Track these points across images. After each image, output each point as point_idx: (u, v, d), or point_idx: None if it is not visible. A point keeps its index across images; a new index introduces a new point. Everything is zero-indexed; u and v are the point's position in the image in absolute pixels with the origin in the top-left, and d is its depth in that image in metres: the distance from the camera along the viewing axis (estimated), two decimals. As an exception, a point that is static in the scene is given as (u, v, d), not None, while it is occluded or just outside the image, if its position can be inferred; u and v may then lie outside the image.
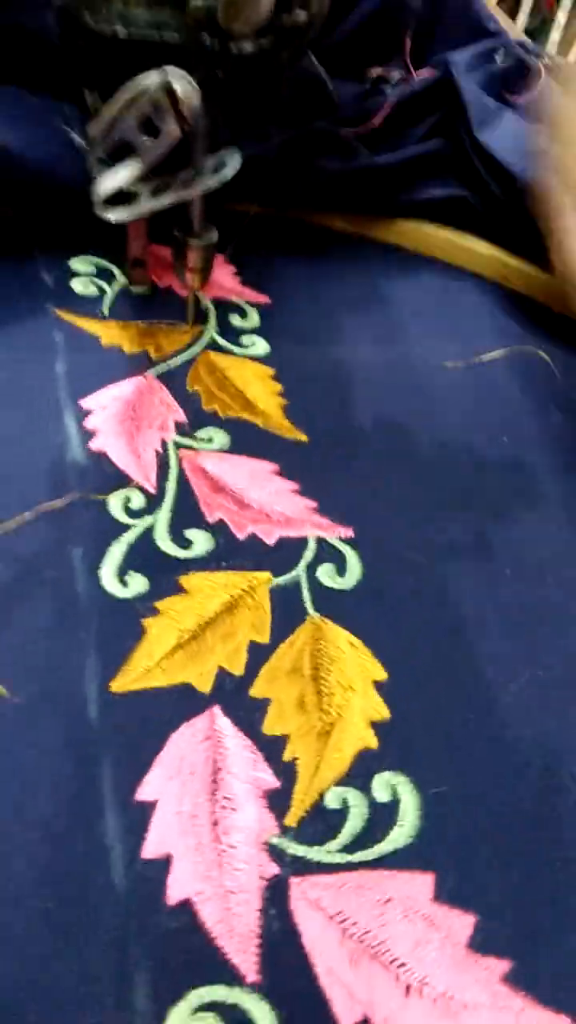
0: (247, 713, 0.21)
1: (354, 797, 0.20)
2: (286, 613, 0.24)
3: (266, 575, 0.25)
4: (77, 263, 0.35)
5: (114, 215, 0.28)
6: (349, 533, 0.26)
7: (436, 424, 0.31)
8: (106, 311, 0.33)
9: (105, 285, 0.34)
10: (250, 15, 0.25)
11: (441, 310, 0.37)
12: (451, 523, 0.27)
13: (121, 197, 0.28)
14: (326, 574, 0.25)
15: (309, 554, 0.25)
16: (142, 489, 0.26)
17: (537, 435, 0.31)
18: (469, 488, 0.29)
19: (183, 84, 0.25)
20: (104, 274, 0.35)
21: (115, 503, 0.26)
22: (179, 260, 0.31)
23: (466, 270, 0.39)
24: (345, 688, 0.22)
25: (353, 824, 0.20)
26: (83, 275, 0.35)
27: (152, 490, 0.27)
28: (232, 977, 0.17)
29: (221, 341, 0.33)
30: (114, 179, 0.27)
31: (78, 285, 0.34)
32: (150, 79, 0.25)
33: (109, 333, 0.32)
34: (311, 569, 0.25)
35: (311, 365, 0.33)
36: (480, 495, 0.29)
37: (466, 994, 0.17)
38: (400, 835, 0.20)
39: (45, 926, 0.17)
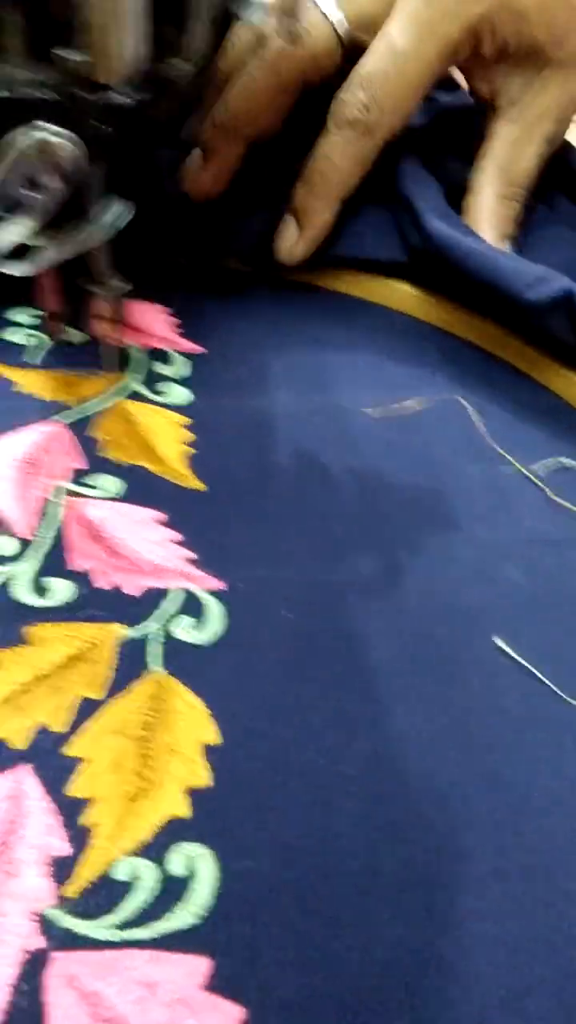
0: (57, 773, 0.20)
1: (146, 869, 0.19)
2: (131, 668, 0.23)
3: (120, 627, 0.24)
4: (16, 314, 0.36)
5: (16, 269, 0.29)
6: (220, 585, 0.25)
7: (346, 471, 0.30)
8: (38, 361, 0.34)
9: (40, 335, 0.35)
10: (120, 68, 0.25)
11: (373, 357, 0.36)
12: (345, 566, 0.26)
13: (23, 251, 0.28)
14: (183, 628, 0.24)
15: (171, 607, 0.25)
16: (16, 535, 0.26)
17: (452, 482, 0.30)
18: (373, 531, 0.28)
19: (59, 141, 0.26)
20: (40, 325, 0.36)
21: (-15, 550, 0.26)
22: (89, 310, 0.32)
23: (406, 315, 0.38)
24: (169, 751, 0.21)
25: (137, 898, 0.18)
26: (19, 325, 0.36)
27: (28, 537, 0.26)
28: (-40, 1060, 0.16)
29: (141, 390, 0.33)
30: (9, 234, 0.28)
31: (11, 334, 0.35)
32: (26, 137, 0.25)
33: (29, 381, 0.33)
34: (168, 622, 0.24)
35: (230, 415, 0.33)
36: (383, 538, 0.27)
37: None
38: (185, 913, 0.18)
39: None
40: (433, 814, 0.20)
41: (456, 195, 0.39)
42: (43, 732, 0.21)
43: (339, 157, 0.35)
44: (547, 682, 0.24)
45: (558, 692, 0.24)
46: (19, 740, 0.21)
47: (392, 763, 0.21)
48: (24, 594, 0.25)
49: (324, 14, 0.34)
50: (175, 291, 0.39)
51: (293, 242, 0.37)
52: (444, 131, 0.41)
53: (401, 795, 0.21)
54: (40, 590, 0.25)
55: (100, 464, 0.30)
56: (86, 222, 0.28)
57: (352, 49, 0.35)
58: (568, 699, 0.23)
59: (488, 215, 0.38)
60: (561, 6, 0.36)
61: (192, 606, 0.25)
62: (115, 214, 0.28)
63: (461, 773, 0.21)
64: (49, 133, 0.25)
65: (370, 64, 0.34)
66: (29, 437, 0.30)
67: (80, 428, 0.31)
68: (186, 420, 0.32)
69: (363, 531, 0.28)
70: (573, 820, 0.21)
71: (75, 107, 0.26)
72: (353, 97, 0.34)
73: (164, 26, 0.27)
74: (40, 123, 0.25)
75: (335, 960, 0.18)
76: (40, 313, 0.36)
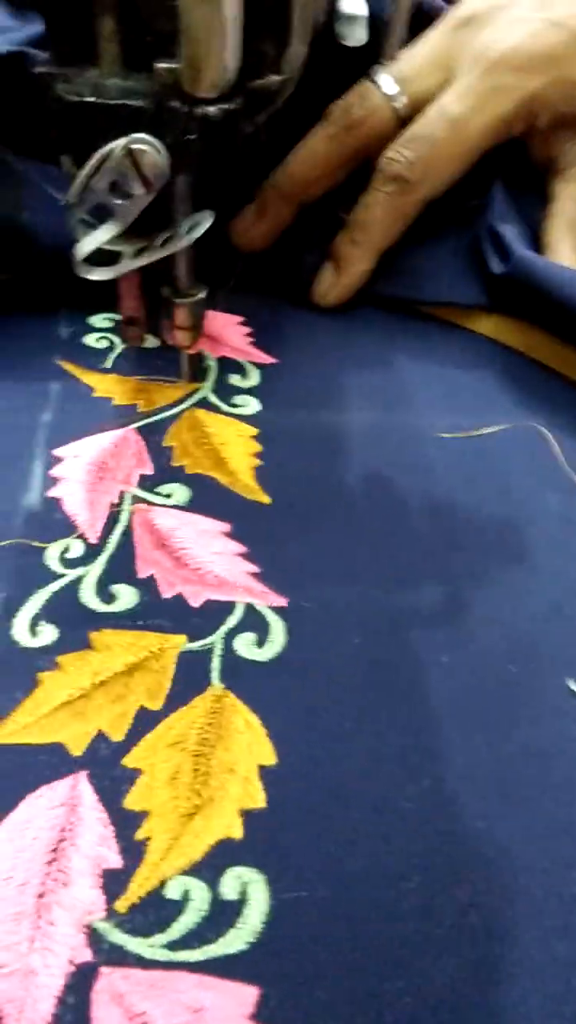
0: (113, 783, 0.20)
1: (198, 890, 0.19)
2: (190, 681, 0.23)
3: (181, 638, 0.24)
4: (96, 319, 0.37)
5: (95, 274, 0.29)
6: (282, 602, 0.25)
7: (417, 495, 0.30)
8: (109, 364, 0.34)
9: (116, 340, 0.36)
10: (213, 80, 0.25)
11: (449, 378, 0.35)
12: (414, 592, 0.26)
13: (104, 257, 0.29)
14: (245, 644, 0.24)
15: (233, 621, 0.25)
16: (85, 539, 0.26)
17: (528, 512, 0.29)
18: (443, 559, 0.27)
19: (147, 149, 0.26)
20: (117, 330, 0.36)
21: (53, 552, 0.26)
22: (168, 319, 0.32)
23: (485, 337, 0.37)
24: (226, 770, 0.21)
25: (188, 919, 0.18)
26: (97, 330, 0.36)
27: (95, 541, 0.27)
28: (4, 1068, 0.16)
29: (213, 399, 0.33)
30: (92, 240, 0.28)
31: (90, 339, 0.36)
32: (115, 144, 0.26)
33: (104, 385, 0.33)
34: (229, 637, 0.24)
35: (300, 429, 0.32)
36: (453, 566, 0.27)
37: None
38: (237, 939, 0.18)
39: None
40: (494, 858, 0.20)
41: None
42: (101, 740, 0.21)
43: (381, 211, 0.36)
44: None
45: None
46: (77, 747, 0.21)
47: (453, 802, 0.21)
48: (90, 598, 0.25)
49: (386, 95, 0.35)
50: (249, 301, 0.39)
51: (329, 286, 0.38)
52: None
53: (461, 836, 0.20)
54: (106, 595, 0.25)
55: (169, 472, 0.30)
56: (168, 230, 0.28)
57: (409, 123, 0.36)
58: None
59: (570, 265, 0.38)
60: None
61: (254, 622, 0.25)
62: (196, 222, 0.28)
63: (525, 818, 0.20)
64: (139, 141, 0.25)
65: (420, 126, 0.35)
66: (101, 441, 0.30)
67: (150, 434, 0.31)
68: (255, 431, 0.32)
69: (433, 557, 0.27)
70: None
71: (165, 117, 0.26)
72: (400, 155, 0.35)
73: (260, 41, 0.26)
74: (135, 134, 0.25)
75: (385, 1001, 0.17)
76: (117, 318, 0.36)
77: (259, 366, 0.35)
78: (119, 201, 0.27)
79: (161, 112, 0.26)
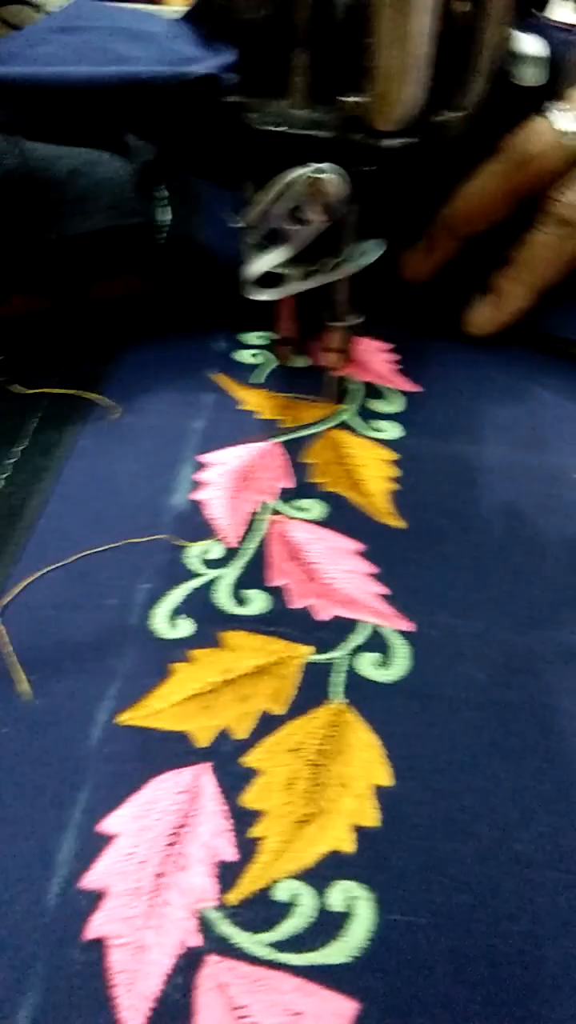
0: (234, 779, 0.21)
1: (307, 896, 0.19)
2: (312, 692, 0.23)
3: (307, 649, 0.24)
4: (249, 337, 0.38)
5: (262, 295, 0.30)
6: (409, 627, 0.25)
7: (553, 535, 0.29)
8: (261, 380, 0.36)
9: (266, 358, 0.37)
10: (399, 114, 0.26)
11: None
12: (545, 633, 0.25)
13: (271, 279, 0.30)
14: (369, 663, 0.24)
15: (358, 639, 0.25)
16: (224, 542, 0.28)
17: None
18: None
19: (329, 177, 0.27)
20: (270, 348, 0.37)
21: (195, 551, 0.27)
22: (323, 341, 0.33)
23: None
24: (342, 784, 0.21)
25: (295, 922, 0.18)
26: (250, 347, 0.38)
27: (234, 545, 0.28)
28: (112, 1031, 0.17)
29: (355, 422, 0.34)
30: (264, 262, 0.29)
31: (244, 355, 0.37)
32: (299, 172, 0.27)
33: (254, 400, 0.35)
34: (354, 654, 0.24)
35: (439, 458, 0.33)
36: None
37: None
38: (340, 950, 0.18)
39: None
40: (610, 917, 0.19)
41: None
42: (225, 736, 0.22)
43: (546, 252, 0.36)
44: None
45: None
46: (203, 738, 0.22)
47: (571, 849, 0.20)
48: (224, 600, 0.26)
49: (561, 132, 0.34)
50: (396, 329, 0.39)
51: (486, 320, 0.38)
52: None
53: (574, 886, 0.19)
54: (239, 598, 0.26)
55: (307, 488, 0.30)
56: (337, 256, 0.29)
57: None
58: None
59: None
60: None
61: (379, 643, 0.25)
62: (366, 251, 0.29)
63: None
64: (322, 170, 0.26)
65: None
66: (245, 452, 0.32)
67: (292, 449, 0.32)
68: (394, 456, 0.32)
69: (567, 600, 0.27)
70: None
71: (347, 147, 0.27)
72: (569, 199, 0.34)
73: (445, 79, 0.27)
74: (318, 163, 0.26)
75: (484, 1042, 0.17)
76: (269, 337, 0.37)
77: (402, 393, 0.36)
78: (295, 227, 0.28)
79: (343, 143, 0.27)
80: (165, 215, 0.35)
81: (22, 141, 0.30)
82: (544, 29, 0.33)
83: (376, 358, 0.38)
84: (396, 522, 0.29)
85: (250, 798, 0.21)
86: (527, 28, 0.32)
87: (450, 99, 0.28)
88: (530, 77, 0.31)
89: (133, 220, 0.34)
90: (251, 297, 0.30)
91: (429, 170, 0.30)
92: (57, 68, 0.33)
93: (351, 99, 0.26)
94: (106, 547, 0.27)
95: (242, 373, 0.36)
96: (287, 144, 0.27)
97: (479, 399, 0.36)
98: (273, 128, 0.27)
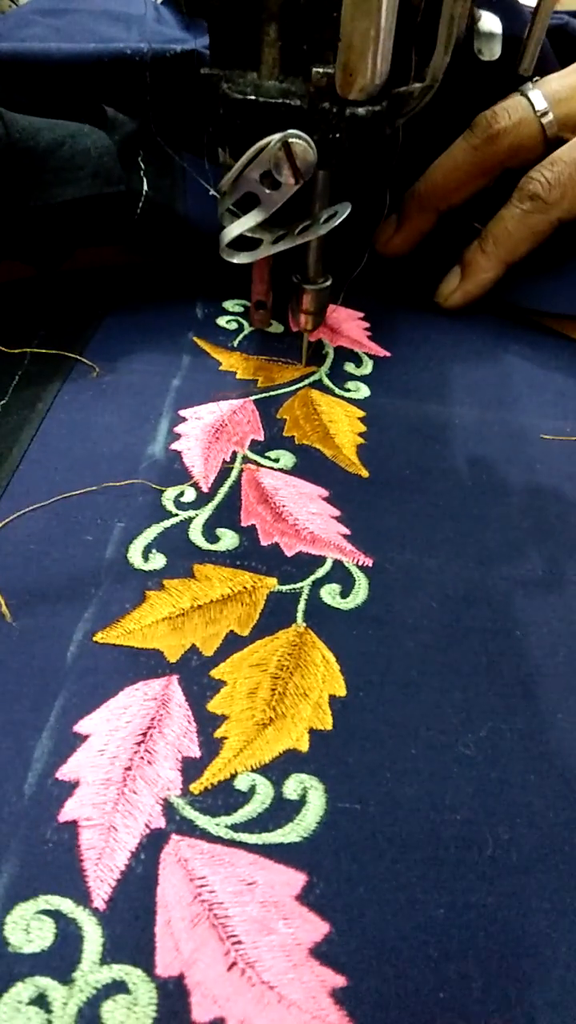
0: (200, 689, 0.23)
1: (263, 786, 0.21)
2: (275, 617, 0.25)
3: (272, 580, 0.26)
4: (229, 303, 0.40)
5: (236, 258, 0.32)
6: (368, 561, 0.27)
7: (515, 485, 0.31)
8: (235, 343, 0.37)
9: (244, 323, 0.39)
10: (364, 85, 0.28)
11: (557, 385, 0.36)
12: (497, 568, 0.27)
13: (245, 243, 0.32)
14: (329, 593, 0.26)
15: (321, 572, 0.27)
16: (198, 487, 0.29)
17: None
18: (535, 543, 0.28)
19: (300, 142, 0.29)
20: (245, 314, 0.39)
21: (170, 494, 0.29)
22: (295, 303, 0.35)
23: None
24: (300, 693, 0.23)
25: (252, 808, 0.20)
26: (229, 313, 0.39)
27: (206, 490, 0.29)
28: (82, 896, 0.18)
29: (327, 382, 0.36)
30: (238, 226, 0.31)
31: (222, 321, 0.39)
32: (272, 138, 0.29)
33: (230, 362, 0.36)
34: (316, 585, 0.26)
35: (404, 416, 0.34)
36: (545, 550, 0.28)
37: (288, 992, 0.17)
38: (291, 832, 0.20)
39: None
40: (540, 809, 0.21)
41: None
42: (194, 652, 0.24)
43: (515, 226, 0.38)
44: None
45: None
46: (173, 655, 0.24)
47: (508, 754, 0.22)
48: (198, 537, 0.27)
49: (535, 111, 0.36)
50: (370, 298, 0.41)
51: (452, 290, 0.40)
52: None
53: (511, 784, 0.21)
54: (211, 536, 0.27)
55: (278, 440, 0.32)
56: (307, 220, 0.31)
57: (555, 143, 0.36)
58: None
59: None
60: None
61: (340, 576, 0.27)
62: (334, 213, 0.31)
63: (577, 776, 0.21)
64: (294, 135, 0.28)
65: (565, 150, 0.36)
66: (221, 408, 0.33)
67: (266, 407, 0.34)
68: (362, 414, 0.34)
69: (523, 540, 0.28)
70: None
71: (317, 116, 0.29)
72: (540, 175, 0.36)
73: (408, 50, 0.29)
74: (290, 130, 0.28)
75: (420, 907, 0.19)
76: (247, 304, 0.39)
77: (373, 357, 0.38)
78: (267, 191, 0.30)
79: (313, 112, 0.29)
80: (145, 185, 0.37)
81: (5, 112, 0.32)
82: (502, 6, 0.35)
83: (350, 325, 0.40)
84: (361, 471, 0.31)
85: (214, 704, 0.22)
86: (487, 5, 0.34)
87: (414, 70, 0.30)
88: (490, 52, 0.32)
89: (114, 189, 0.35)
90: (228, 259, 0.31)
91: (394, 139, 0.31)
92: (41, 45, 0.35)
93: (320, 70, 0.28)
94: (85, 490, 0.28)
95: (220, 337, 0.38)
96: (263, 112, 0.29)
97: (447, 363, 0.38)
98: (248, 97, 0.29)
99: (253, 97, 0.29)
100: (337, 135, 0.29)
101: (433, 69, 0.30)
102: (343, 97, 0.29)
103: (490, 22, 0.33)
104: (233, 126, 0.30)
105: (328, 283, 0.34)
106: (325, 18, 0.27)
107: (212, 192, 0.32)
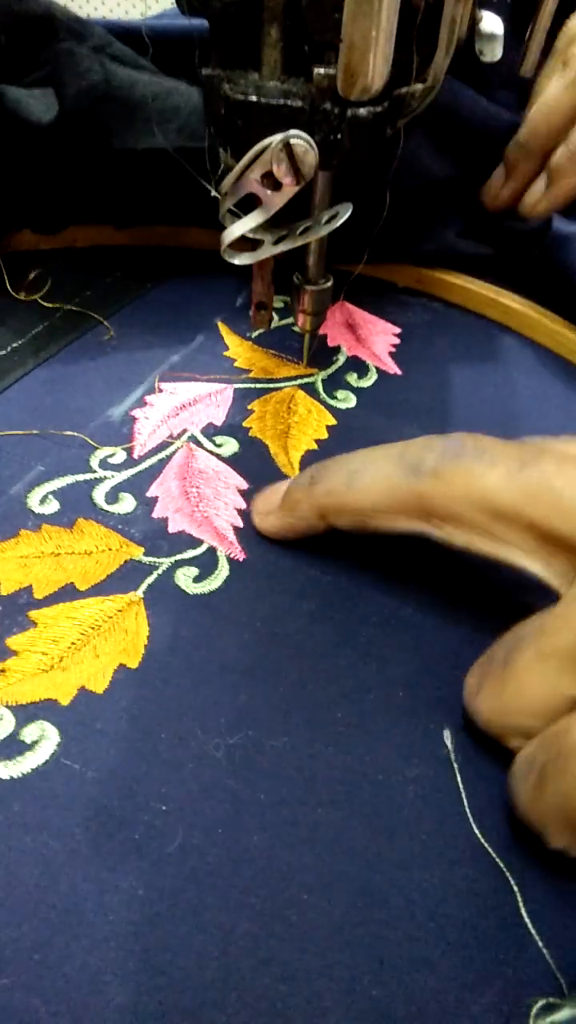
0: (11, 623, 0.24)
1: (7, 721, 0.22)
2: (121, 582, 0.26)
3: (139, 549, 0.27)
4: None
5: (237, 259, 0.33)
6: (241, 556, 0.27)
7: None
8: (253, 334, 0.38)
9: (275, 317, 0.39)
10: (366, 86, 0.28)
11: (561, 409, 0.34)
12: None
13: (247, 244, 0.33)
14: (184, 574, 0.26)
15: (190, 554, 0.27)
16: (130, 453, 0.31)
17: None
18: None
19: (301, 143, 0.29)
20: (280, 310, 0.40)
21: (100, 453, 0.31)
22: (296, 304, 0.35)
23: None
24: (93, 654, 0.24)
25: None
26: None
27: (136, 457, 0.31)
28: None
29: (319, 387, 0.36)
30: (239, 227, 0.32)
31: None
32: (273, 139, 0.29)
33: (238, 349, 0.37)
34: (177, 565, 0.27)
35: (373, 433, 0.33)
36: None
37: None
38: (3, 771, 0.21)
39: None
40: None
41: None
42: (26, 591, 0.25)
43: None
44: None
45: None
46: (6, 588, 0.25)
47: (266, 766, 0.21)
48: (99, 496, 0.29)
49: None
50: (407, 315, 0.40)
51: (537, 199, 0.39)
52: None
53: (240, 798, 0.21)
54: (113, 498, 0.29)
55: (234, 429, 0.33)
56: (308, 221, 0.31)
57: None
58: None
59: None
60: None
61: (207, 562, 0.27)
62: (335, 214, 0.31)
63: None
64: (295, 136, 0.28)
65: None
66: (200, 388, 0.34)
67: (243, 395, 0.35)
68: (333, 423, 0.34)
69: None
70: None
71: (318, 117, 0.29)
72: None
73: (409, 52, 0.28)
74: (291, 130, 0.28)
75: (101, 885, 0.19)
76: (287, 299, 0.40)
77: (381, 372, 0.37)
78: (269, 192, 0.30)
79: (314, 113, 0.29)
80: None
81: (108, 61, 0.35)
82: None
83: (379, 339, 0.39)
84: (291, 475, 0.31)
85: (13, 640, 0.24)
86: (488, 5, 0.32)
87: (415, 71, 0.29)
88: (492, 53, 0.31)
89: (197, 145, 0.37)
90: (229, 260, 0.32)
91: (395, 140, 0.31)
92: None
93: (321, 71, 0.28)
94: (26, 432, 0.31)
95: (243, 326, 0.39)
96: (265, 113, 0.30)
97: (454, 391, 0.36)
98: (247, 98, 0.29)
99: (254, 98, 0.29)
100: (338, 136, 0.29)
101: (434, 70, 0.29)
102: (344, 98, 0.28)
103: (492, 23, 0.31)
104: (234, 127, 0.30)
105: (329, 283, 0.34)
106: (327, 19, 0.27)
107: (213, 193, 0.33)
